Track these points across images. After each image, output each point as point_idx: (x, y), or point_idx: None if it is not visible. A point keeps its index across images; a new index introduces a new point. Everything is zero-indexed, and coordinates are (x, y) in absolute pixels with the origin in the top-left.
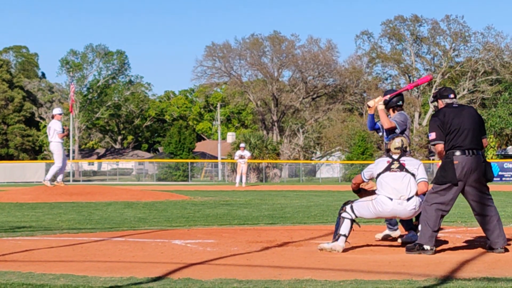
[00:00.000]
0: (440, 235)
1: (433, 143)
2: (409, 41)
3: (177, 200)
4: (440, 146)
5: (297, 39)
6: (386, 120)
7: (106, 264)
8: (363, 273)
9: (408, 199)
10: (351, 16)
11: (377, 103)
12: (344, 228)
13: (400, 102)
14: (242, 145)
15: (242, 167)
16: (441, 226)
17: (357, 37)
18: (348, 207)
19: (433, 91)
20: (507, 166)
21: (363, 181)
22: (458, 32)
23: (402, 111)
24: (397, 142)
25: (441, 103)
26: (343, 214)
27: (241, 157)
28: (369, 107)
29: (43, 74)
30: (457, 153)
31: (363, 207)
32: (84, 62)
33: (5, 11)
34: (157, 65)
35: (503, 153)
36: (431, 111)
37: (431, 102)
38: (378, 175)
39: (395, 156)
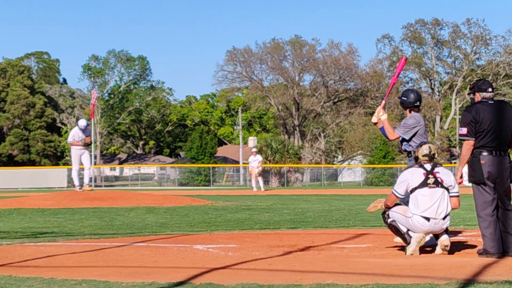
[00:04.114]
0: (462, 238)
1: (462, 138)
2: (430, 45)
3: (199, 205)
4: (470, 143)
5: (318, 43)
6: (389, 132)
7: (128, 270)
8: (384, 277)
9: (444, 217)
10: (372, 20)
11: (378, 116)
12: (402, 227)
13: (418, 103)
14: (254, 150)
15: (254, 171)
16: (462, 230)
17: (378, 40)
18: (386, 215)
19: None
20: None
21: (398, 198)
22: (479, 35)
23: (417, 113)
24: (424, 149)
25: (478, 96)
26: (389, 221)
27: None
28: (375, 123)
29: (65, 80)
30: (484, 153)
31: (399, 219)
32: (106, 68)
33: (26, 18)
34: (179, 70)
35: None
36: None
37: (468, 94)
38: (414, 189)
39: (428, 167)
